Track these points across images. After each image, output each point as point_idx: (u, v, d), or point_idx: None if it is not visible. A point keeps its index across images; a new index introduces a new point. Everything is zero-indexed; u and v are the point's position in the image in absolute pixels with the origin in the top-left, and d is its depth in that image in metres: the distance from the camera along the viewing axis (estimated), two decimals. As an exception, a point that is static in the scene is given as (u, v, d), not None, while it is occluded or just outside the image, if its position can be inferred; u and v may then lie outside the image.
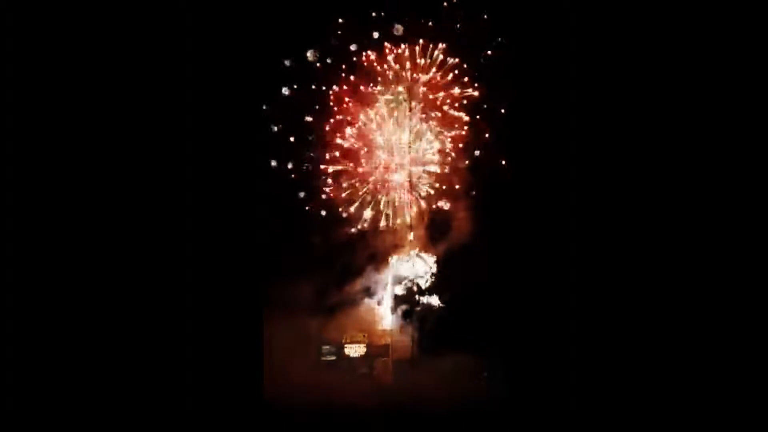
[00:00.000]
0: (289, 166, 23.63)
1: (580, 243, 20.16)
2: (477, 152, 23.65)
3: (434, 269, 23.89)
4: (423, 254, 24.01)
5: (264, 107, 22.76)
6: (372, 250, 24.00)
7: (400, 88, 23.88)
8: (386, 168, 24.13)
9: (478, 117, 23.67)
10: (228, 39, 19.09)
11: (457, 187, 23.84)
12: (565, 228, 20.42)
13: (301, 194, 23.63)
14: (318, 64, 23.40)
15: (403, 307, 23.88)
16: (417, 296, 23.87)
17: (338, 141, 23.84)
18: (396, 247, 24.17)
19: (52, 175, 16.79)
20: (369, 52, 23.54)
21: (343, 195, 23.84)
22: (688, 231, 18.10)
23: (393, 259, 24.11)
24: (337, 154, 23.85)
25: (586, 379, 19.16)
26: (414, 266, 23.99)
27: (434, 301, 23.75)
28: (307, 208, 23.57)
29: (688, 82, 18.19)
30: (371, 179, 24.09)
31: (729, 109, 17.72)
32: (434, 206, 24.07)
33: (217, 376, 17.60)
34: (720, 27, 17.72)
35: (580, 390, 18.98)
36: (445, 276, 23.64)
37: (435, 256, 23.93)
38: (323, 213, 23.69)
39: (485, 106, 23.53)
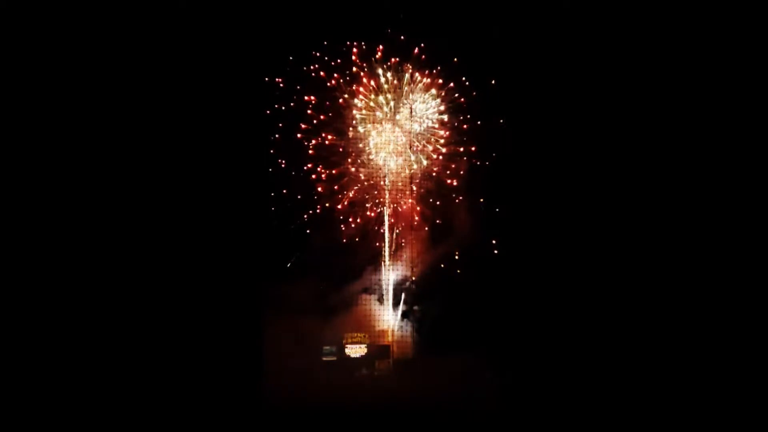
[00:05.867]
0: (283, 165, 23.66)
1: (580, 243, 20.30)
2: (477, 153, 23.77)
3: (434, 270, 23.88)
4: (423, 255, 24.05)
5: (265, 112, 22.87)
6: (372, 251, 24.11)
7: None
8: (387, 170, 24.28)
9: (479, 122, 23.79)
10: (236, 45, 19.24)
11: (457, 188, 23.97)
12: (566, 229, 20.60)
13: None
14: (322, 74, 23.41)
15: (403, 307, 23.92)
16: (417, 297, 23.92)
17: (338, 143, 23.99)
18: (397, 248, 24.24)
19: (56, 175, 17.01)
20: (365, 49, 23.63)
21: (343, 197, 23.97)
22: (679, 240, 18.32)
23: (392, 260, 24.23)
24: (337, 156, 24.00)
25: (584, 380, 19.27)
26: (414, 267, 24.01)
27: (434, 301, 23.73)
28: (304, 214, 23.69)
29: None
30: (372, 181, 24.23)
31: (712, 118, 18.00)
32: (435, 207, 24.14)
33: (218, 376, 17.72)
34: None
35: (578, 391, 19.10)
36: (445, 276, 23.61)
37: (435, 257, 23.94)
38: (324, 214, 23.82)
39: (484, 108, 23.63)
